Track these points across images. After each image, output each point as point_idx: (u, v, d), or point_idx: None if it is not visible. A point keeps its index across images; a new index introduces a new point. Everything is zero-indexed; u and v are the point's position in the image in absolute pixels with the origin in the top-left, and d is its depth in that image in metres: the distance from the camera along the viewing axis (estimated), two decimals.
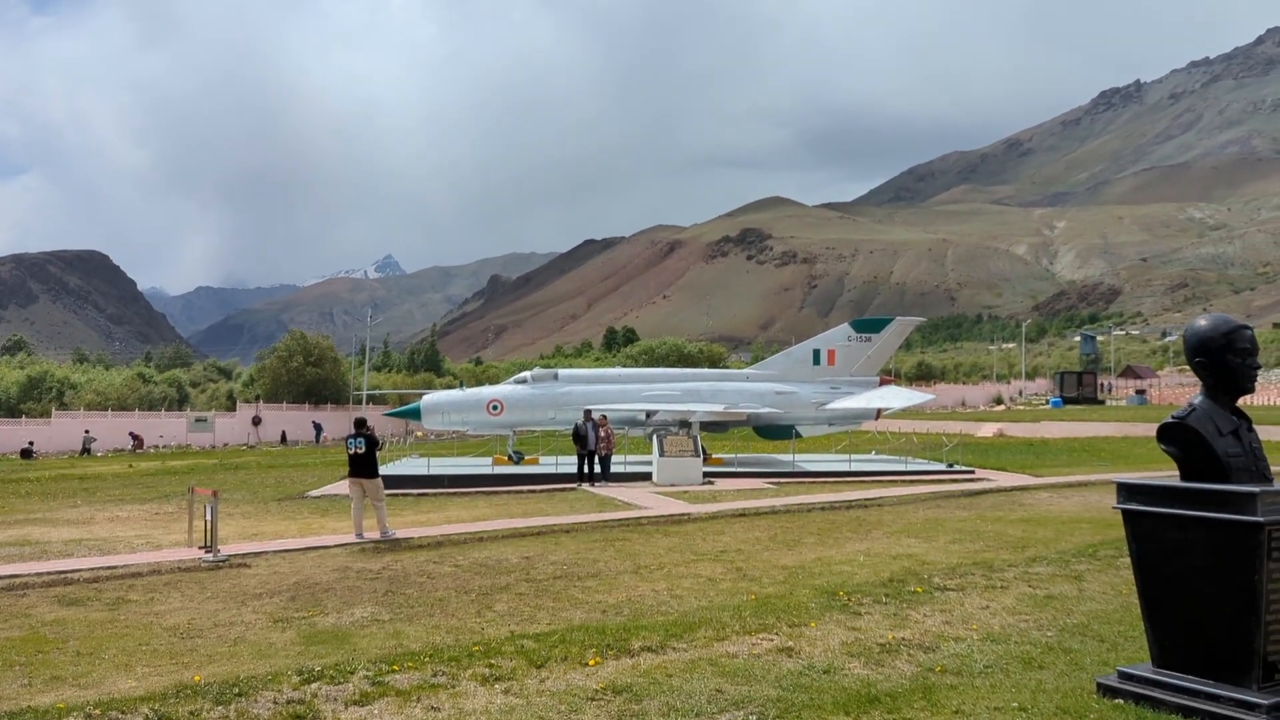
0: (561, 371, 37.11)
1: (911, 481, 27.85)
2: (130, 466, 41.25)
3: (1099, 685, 6.75)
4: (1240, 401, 6.80)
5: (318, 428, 69.27)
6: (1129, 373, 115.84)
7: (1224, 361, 6.54)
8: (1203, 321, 6.76)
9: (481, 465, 32.69)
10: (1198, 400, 6.70)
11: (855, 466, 31.66)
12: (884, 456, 36.55)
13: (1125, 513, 6.74)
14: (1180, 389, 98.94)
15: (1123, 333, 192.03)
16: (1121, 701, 6.42)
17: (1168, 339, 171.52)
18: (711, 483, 27.43)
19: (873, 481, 27.78)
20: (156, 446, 61.85)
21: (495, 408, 33.81)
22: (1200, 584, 6.25)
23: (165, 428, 65.61)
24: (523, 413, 34.12)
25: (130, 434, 61.07)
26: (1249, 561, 5.95)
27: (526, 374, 36.17)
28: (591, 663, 7.96)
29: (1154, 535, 6.52)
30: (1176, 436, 6.57)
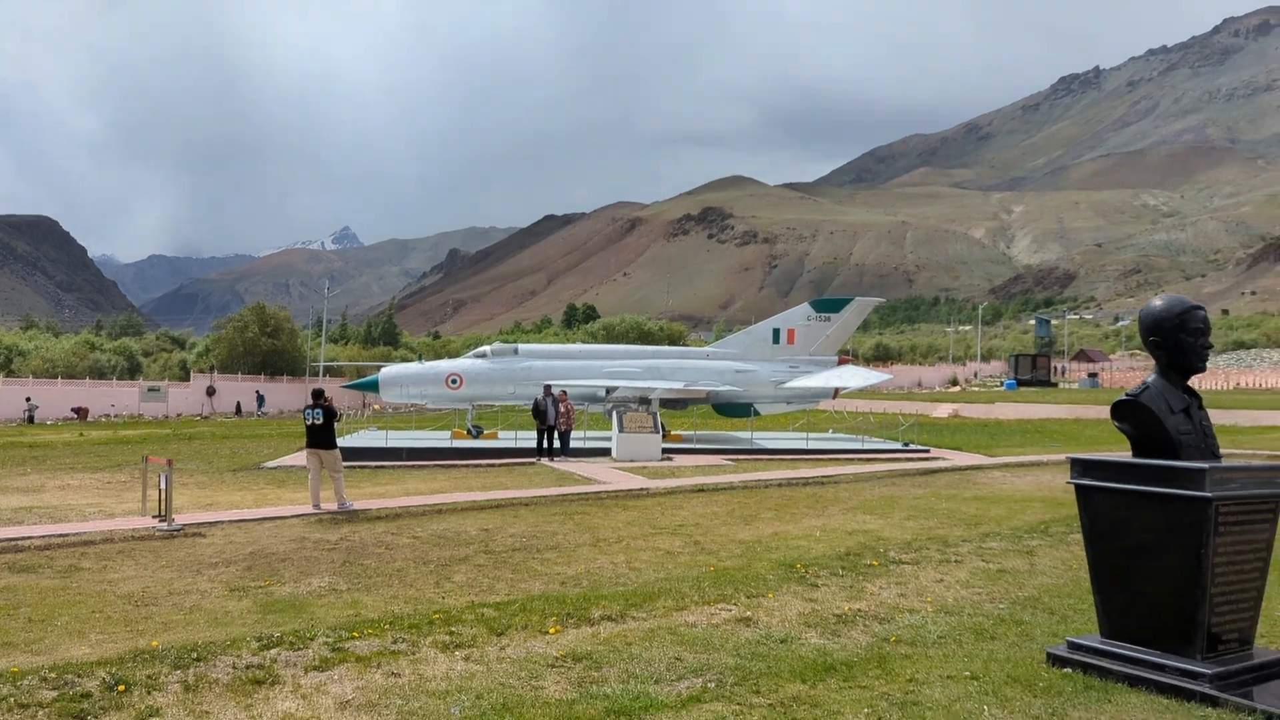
0: (521, 346, 37.00)
1: (868, 460, 28.13)
2: (81, 435, 40.62)
3: (1049, 655, 6.89)
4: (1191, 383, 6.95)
5: (260, 398, 68.28)
6: (1082, 356, 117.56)
7: (1177, 341, 6.67)
8: (1158, 301, 6.89)
9: (440, 439, 32.53)
10: (1151, 379, 6.84)
11: (812, 445, 31.89)
12: (841, 435, 36.84)
13: (1079, 488, 6.87)
14: (1131, 373, 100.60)
15: (1076, 317, 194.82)
16: (1070, 671, 6.57)
17: (1120, 324, 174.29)
18: (670, 459, 27.51)
19: (830, 459, 28.01)
20: (108, 415, 60.89)
21: (454, 381, 33.64)
22: (1149, 557, 6.40)
23: (117, 397, 64.58)
24: (482, 387, 34.00)
25: (73, 409, 59.72)
26: (1196, 535, 6.10)
27: (486, 348, 36.03)
28: (552, 631, 8.00)
29: (1106, 510, 6.66)
30: (1130, 413, 6.70)
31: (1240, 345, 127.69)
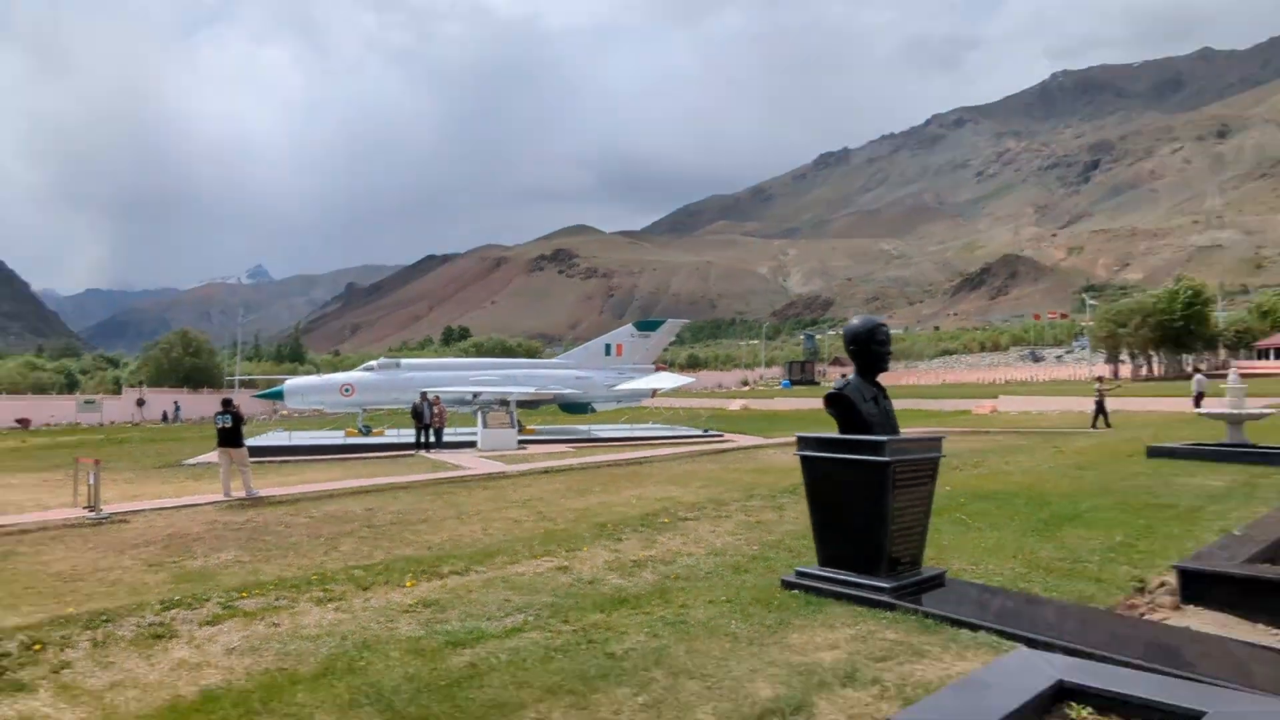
0: (404, 361, 36.08)
1: (677, 444, 28.58)
2: (23, 442, 37.21)
3: (783, 582, 7.19)
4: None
5: (176, 407, 63.92)
6: (837, 362, 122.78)
7: (868, 349, 7.17)
8: (855, 320, 7.39)
9: (336, 437, 31.37)
10: (851, 377, 7.34)
11: (636, 434, 32.27)
12: (658, 425, 37.39)
13: (802, 457, 7.25)
14: None
15: (834, 333, 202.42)
16: (797, 592, 6.91)
17: None
18: (524, 448, 27.32)
19: (648, 444, 28.24)
20: (47, 425, 55.92)
21: (348, 390, 32.51)
22: (850, 506, 6.81)
23: (55, 409, 59.35)
24: (371, 394, 32.97)
25: (16, 419, 54.49)
26: (880, 489, 6.55)
27: (374, 363, 34.96)
28: (409, 584, 7.82)
29: (820, 472, 7.05)
30: (836, 402, 7.15)
31: (947, 352, 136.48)
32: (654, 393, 38.53)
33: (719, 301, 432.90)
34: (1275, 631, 6.37)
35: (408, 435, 29.24)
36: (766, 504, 12.51)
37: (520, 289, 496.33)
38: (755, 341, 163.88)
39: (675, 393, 51.21)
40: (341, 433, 32.77)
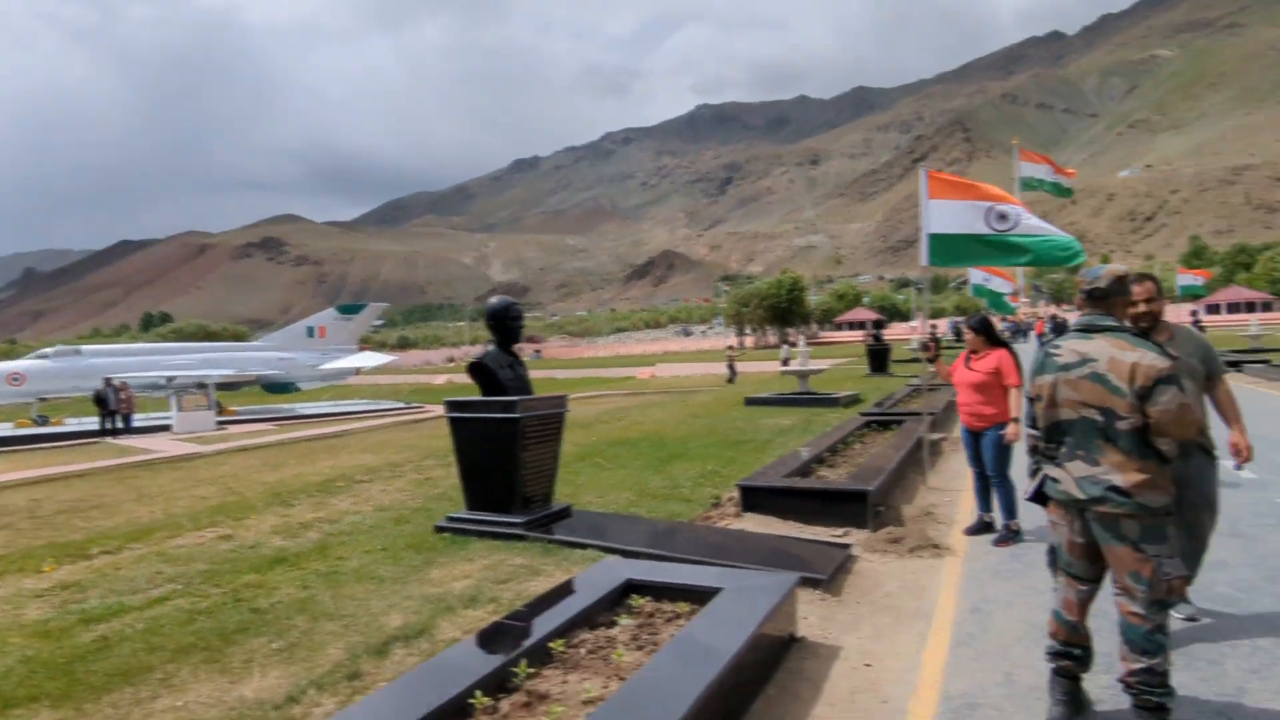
0: (85, 348, 30.44)
1: (381, 416, 27.36)
2: None
3: (436, 527, 7.14)
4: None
5: None
6: (531, 339, 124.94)
7: (504, 324, 7.33)
8: (494, 300, 7.48)
9: (4, 429, 25.75)
10: (491, 349, 7.45)
11: (341, 409, 30.32)
12: (363, 401, 35.49)
13: (450, 419, 7.23)
14: (561, 348, 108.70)
15: (530, 315, 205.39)
16: (448, 534, 6.90)
17: (554, 318, 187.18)
18: (224, 429, 24.49)
19: (353, 419, 26.67)
20: None
21: (16, 379, 26.76)
22: (489, 457, 6.94)
23: None
24: (45, 383, 27.44)
25: None
26: (513, 440, 6.77)
27: (48, 350, 29.14)
28: (47, 569, 6.59)
29: (465, 430, 7.07)
30: (477, 370, 7.23)
31: (621, 329, 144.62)
32: (358, 371, 36.37)
33: (427, 288, 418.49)
34: (799, 525, 7.62)
35: (93, 423, 24.81)
36: (438, 462, 12.11)
37: (227, 275, 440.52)
38: (461, 323, 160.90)
39: (383, 370, 48.85)
40: (10, 424, 26.95)
